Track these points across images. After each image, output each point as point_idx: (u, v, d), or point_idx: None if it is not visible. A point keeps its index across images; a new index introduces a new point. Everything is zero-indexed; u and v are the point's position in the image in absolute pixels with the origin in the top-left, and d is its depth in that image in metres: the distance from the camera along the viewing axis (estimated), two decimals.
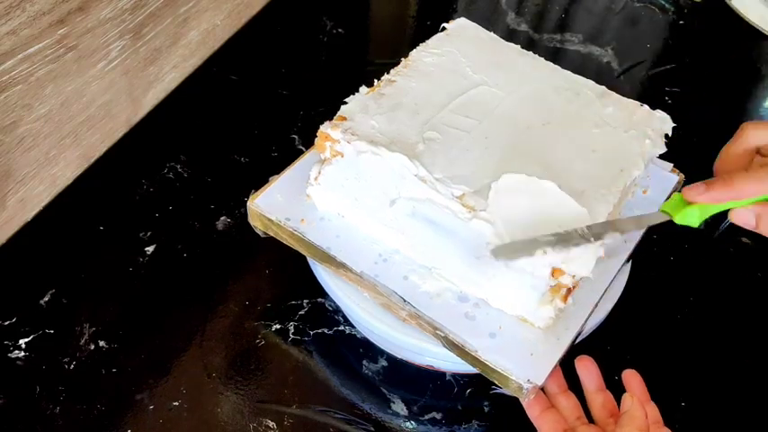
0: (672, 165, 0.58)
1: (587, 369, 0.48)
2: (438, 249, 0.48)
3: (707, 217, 0.42)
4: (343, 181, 0.50)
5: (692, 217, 0.42)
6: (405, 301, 0.47)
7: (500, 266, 0.45)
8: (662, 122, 0.52)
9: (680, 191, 0.42)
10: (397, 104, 0.50)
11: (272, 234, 0.53)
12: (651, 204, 0.54)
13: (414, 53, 0.55)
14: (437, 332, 0.47)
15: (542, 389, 0.46)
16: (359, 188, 0.49)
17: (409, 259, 0.50)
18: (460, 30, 0.58)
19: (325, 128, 0.48)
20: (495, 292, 0.47)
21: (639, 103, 0.53)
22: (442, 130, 0.49)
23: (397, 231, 0.49)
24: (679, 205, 0.42)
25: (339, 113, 0.49)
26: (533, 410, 0.46)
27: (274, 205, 0.52)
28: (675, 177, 0.57)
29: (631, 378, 0.47)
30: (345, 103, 0.50)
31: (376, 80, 0.52)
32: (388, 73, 0.53)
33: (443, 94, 0.51)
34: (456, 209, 0.45)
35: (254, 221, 0.54)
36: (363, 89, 0.52)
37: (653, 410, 0.46)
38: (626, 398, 0.44)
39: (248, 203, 0.52)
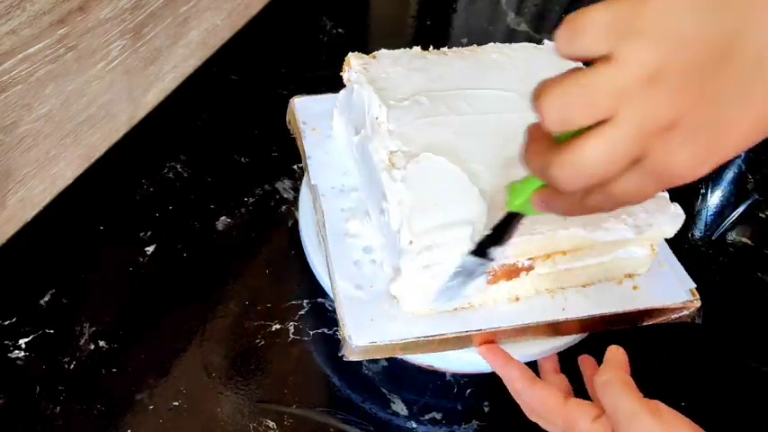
0: None
1: (587, 363, 0.49)
2: (367, 194, 0.51)
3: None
4: (346, 106, 0.55)
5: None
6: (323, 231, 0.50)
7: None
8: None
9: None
10: (424, 69, 0.53)
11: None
12: None
13: (489, 47, 0.57)
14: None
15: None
16: (349, 115, 0.55)
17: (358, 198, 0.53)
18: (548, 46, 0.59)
19: (353, 55, 0.54)
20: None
21: None
22: (434, 101, 0.51)
23: (355, 165, 0.54)
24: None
25: (375, 53, 0.55)
26: (521, 384, 0.45)
27: (307, 112, 0.60)
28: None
29: (584, 360, 0.49)
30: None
31: (432, 46, 0.56)
32: (449, 48, 0.56)
33: (471, 82, 0.53)
34: (381, 157, 0.48)
35: (288, 116, 0.61)
36: (417, 48, 0.56)
37: (563, 381, 0.47)
38: (610, 349, 0.44)
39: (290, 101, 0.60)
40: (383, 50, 0.55)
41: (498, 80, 0.54)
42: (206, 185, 0.66)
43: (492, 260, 0.43)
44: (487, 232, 0.43)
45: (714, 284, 0.63)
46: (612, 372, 0.41)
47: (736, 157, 0.74)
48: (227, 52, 0.79)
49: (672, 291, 0.51)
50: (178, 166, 0.68)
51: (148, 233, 0.62)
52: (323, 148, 0.57)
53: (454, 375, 0.55)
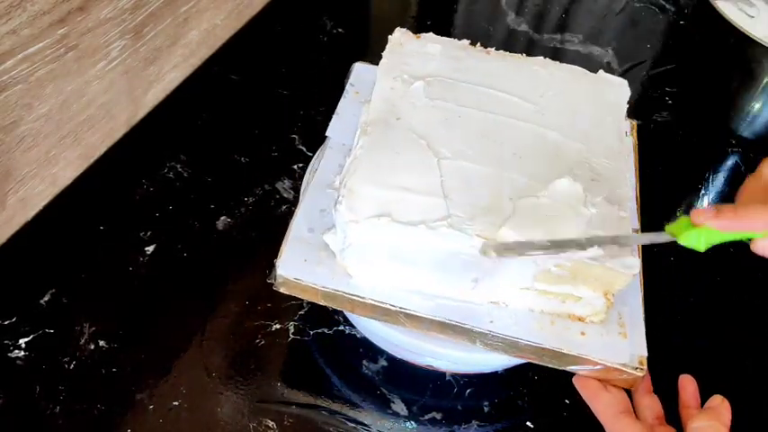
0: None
1: (687, 386, 0.49)
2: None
3: (713, 243, 0.41)
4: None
5: (696, 241, 0.40)
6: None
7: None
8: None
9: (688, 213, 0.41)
10: (457, 59, 0.54)
11: None
12: None
13: (538, 59, 0.56)
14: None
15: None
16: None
17: None
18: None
19: (399, 30, 0.56)
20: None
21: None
22: (445, 87, 0.52)
23: None
24: (685, 227, 0.40)
25: (421, 34, 0.56)
26: (589, 389, 0.46)
27: (360, 77, 0.61)
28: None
29: (687, 384, 0.48)
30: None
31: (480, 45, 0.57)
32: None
33: (493, 82, 0.53)
34: (363, 119, 0.50)
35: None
36: (465, 41, 0.56)
37: (656, 404, 0.47)
38: (715, 397, 0.45)
39: None
40: (431, 34, 0.56)
41: (523, 89, 0.53)
42: (206, 185, 0.66)
43: (590, 248, 0.42)
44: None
45: (714, 284, 0.63)
46: (710, 422, 0.42)
47: (735, 158, 0.74)
48: (227, 52, 0.79)
49: (616, 350, 0.46)
50: (178, 166, 0.67)
51: (148, 233, 0.62)
52: (353, 110, 0.57)
53: (454, 375, 0.55)
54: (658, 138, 0.73)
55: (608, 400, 0.45)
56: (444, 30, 0.85)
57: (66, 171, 0.63)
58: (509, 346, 0.46)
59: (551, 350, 0.46)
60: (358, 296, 0.47)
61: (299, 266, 0.47)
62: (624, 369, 0.45)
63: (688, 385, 0.48)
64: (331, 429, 0.51)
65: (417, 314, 0.46)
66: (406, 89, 0.52)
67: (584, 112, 0.52)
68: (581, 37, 0.88)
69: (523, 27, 0.89)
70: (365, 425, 0.51)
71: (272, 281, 0.48)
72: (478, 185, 0.46)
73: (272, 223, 0.63)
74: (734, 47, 0.75)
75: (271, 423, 0.51)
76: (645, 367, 0.45)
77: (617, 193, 0.47)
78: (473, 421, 0.53)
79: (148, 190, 0.65)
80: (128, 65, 0.65)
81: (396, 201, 0.45)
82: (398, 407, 0.53)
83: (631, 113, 0.54)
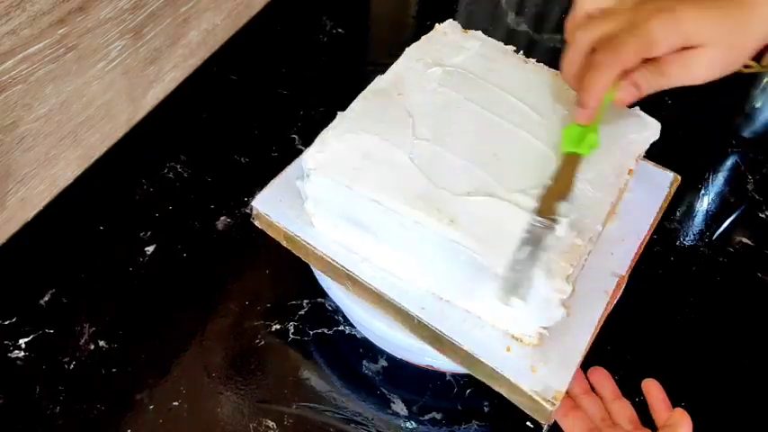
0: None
1: (601, 380, 0.49)
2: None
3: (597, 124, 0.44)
4: None
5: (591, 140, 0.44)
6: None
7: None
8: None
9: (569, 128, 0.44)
10: (491, 59, 0.54)
11: None
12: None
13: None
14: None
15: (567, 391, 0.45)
16: None
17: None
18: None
19: (449, 22, 0.57)
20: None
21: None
22: (462, 78, 0.52)
23: None
24: (579, 138, 0.44)
25: (469, 30, 0.56)
26: (559, 411, 0.46)
27: None
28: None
29: (651, 387, 0.48)
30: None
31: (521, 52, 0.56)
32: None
33: (512, 87, 0.52)
34: (372, 87, 0.51)
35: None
36: (511, 48, 0.55)
37: (627, 408, 0.47)
38: (677, 412, 0.45)
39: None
40: (479, 32, 0.56)
41: (539, 101, 0.51)
42: (206, 185, 0.66)
43: (557, 221, 0.40)
44: (548, 183, 0.43)
45: (714, 284, 0.63)
46: None
47: (735, 158, 0.74)
48: (227, 52, 0.79)
49: (531, 377, 0.43)
50: (178, 166, 0.68)
51: (148, 233, 0.62)
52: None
53: (454, 375, 0.55)
54: (658, 138, 0.73)
55: (577, 420, 0.46)
56: None
57: (66, 171, 0.63)
58: (432, 337, 0.46)
59: (468, 353, 0.44)
60: (312, 246, 0.49)
61: (273, 205, 0.51)
62: (533, 397, 0.43)
63: (651, 388, 0.48)
64: (331, 429, 0.51)
65: (359, 280, 0.47)
66: (422, 71, 0.52)
67: None
68: None
69: (523, 27, 0.89)
70: (365, 425, 0.51)
71: (250, 211, 0.52)
72: (441, 173, 0.45)
73: None
74: None
75: (271, 423, 0.51)
76: (557, 403, 0.42)
77: (584, 222, 0.44)
78: (473, 421, 0.53)
79: (148, 190, 0.65)
80: (128, 65, 0.65)
81: (358, 166, 0.45)
82: (398, 407, 0.53)
83: (660, 149, 0.52)
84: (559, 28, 0.90)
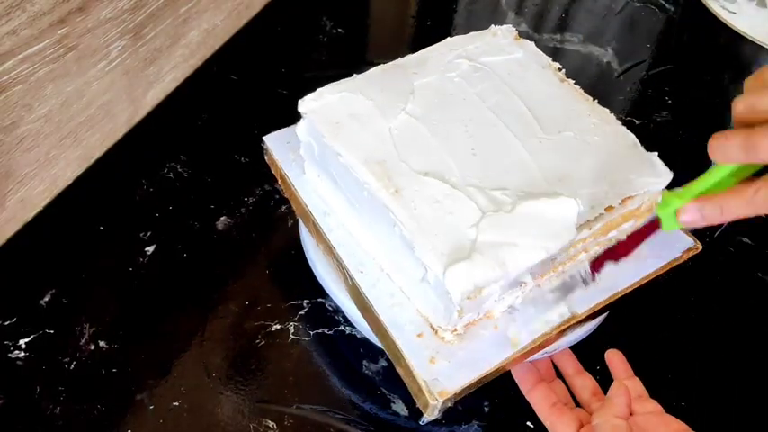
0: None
1: (564, 357, 0.49)
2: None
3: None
4: None
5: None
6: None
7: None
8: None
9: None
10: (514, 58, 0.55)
11: None
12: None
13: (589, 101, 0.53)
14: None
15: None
16: None
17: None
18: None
19: (508, 27, 0.57)
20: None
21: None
22: (475, 70, 0.53)
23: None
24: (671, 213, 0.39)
25: (523, 39, 0.56)
26: (526, 384, 0.47)
27: None
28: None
29: (613, 356, 0.48)
30: None
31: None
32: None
33: (523, 90, 0.52)
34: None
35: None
36: (556, 64, 0.55)
37: (636, 385, 0.47)
38: (613, 386, 0.44)
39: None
40: (532, 44, 0.56)
41: (550, 119, 0.50)
42: (206, 185, 0.66)
43: (595, 278, 0.40)
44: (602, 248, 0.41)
45: (714, 284, 0.63)
46: (604, 417, 0.42)
47: None
48: (227, 52, 0.79)
49: (429, 369, 0.43)
50: (178, 167, 0.68)
51: (148, 233, 0.62)
52: None
53: None
54: (658, 138, 0.73)
55: (542, 393, 0.46)
56: (444, 30, 0.85)
57: (66, 171, 0.63)
58: (362, 304, 0.47)
59: (382, 326, 0.44)
60: (295, 188, 0.52)
61: (280, 144, 0.55)
62: (420, 385, 0.42)
63: (613, 359, 0.48)
64: (331, 429, 0.51)
65: (320, 230, 0.50)
66: (449, 60, 0.53)
67: (587, 166, 0.47)
68: (581, 37, 0.88)
69: (523, 27, 0.89)
70: (365, 425, 0.51)
71: (263, 146, 0.55)
72: (410, 148, 0.47)
73: (272, 223, 0.64)
74: (725, 44, 0.75)
75: (271, 423, 0.51)
76: (440, 400, 0.42)
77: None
78: (473, 421, 0.53)
79: (148, 190, 0.65)
80: (128, 65, 0.65)
81: (340, 122, 0.48)
82: (398, 407, 0.53)
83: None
84: (559, 28, 0.90)
